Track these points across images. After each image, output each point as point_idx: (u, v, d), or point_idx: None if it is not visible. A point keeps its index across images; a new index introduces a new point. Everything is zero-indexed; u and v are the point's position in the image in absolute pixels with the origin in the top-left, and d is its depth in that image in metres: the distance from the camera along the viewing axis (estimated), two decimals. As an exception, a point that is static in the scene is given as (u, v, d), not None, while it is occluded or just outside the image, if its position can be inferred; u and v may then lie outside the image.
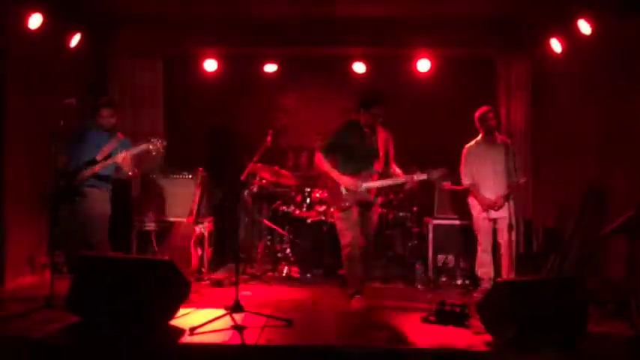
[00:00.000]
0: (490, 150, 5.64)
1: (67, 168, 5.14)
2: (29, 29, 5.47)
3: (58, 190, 5.02)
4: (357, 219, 5.04)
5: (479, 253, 5.70)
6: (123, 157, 5.03)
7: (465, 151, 5.76)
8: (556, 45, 6.24)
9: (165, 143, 5.07)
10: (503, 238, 5.50)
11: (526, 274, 5.70)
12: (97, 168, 5.10)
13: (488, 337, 3.96)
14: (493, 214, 5.57)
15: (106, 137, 5.26)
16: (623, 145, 5.31)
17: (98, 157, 5.13)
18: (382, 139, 5.19)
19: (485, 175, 5.61)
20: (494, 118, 5.66)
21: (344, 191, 5.05)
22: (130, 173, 5.16)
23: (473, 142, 5.76)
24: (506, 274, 5.44)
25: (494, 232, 5.62)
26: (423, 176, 4.99)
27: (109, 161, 5.10)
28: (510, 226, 5.34)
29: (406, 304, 5.18)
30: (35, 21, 5.47)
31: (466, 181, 5.72)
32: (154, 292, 4.13)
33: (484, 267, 5.65)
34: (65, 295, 4.22)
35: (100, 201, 5.21)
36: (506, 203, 5.47)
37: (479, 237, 5.69)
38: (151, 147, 5.03)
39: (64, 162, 5.14)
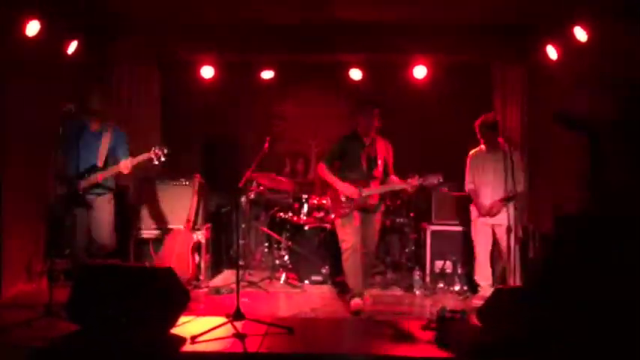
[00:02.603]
0: (492, 157, 5.64)
1: (64, 171, 5.08)
2: (27, 36, 5.44)
3: (60, 198, 5.00)
4: (357, 225, 5.15)
5: (477, 259, 5.73)
6: (125, 165, 5.03)
7: (468, 157, 5.81)
8: (552, 52, 6.27)
9: (167, 151, 5.06)
10: (502, 244, 5.52)
11: (525, 280, 5.71)
12: (99, 177, 5.08)
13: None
14: (490, 219, 5.59)
15: (97, 134, 5.18)
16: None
17: (99, 163, 5.12)
18: (381, 148, 5.34)
19: (486, 182, 5.64)
20: (494, 127, 5.66)
21: (344, 198, 5.16)
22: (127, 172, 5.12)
23: (477, 149, 5.79)
24: (507, 280, 5.46)
25: (494, 238, 5.64)
26: (420, 181, 5.05)
27: (112, 171, 5.09)
28: (509, 229, 5.36)
29: (405, 311, 5.21)
30: (33, 28, 5.44)
31: (468, 186, 5.77)
32: (154, 300, 4.12)
33: (482, 273, 5.67)
34: (65, 303, 4.21)
35: (105, 205, 5.21)
36: (505, 209, 5.48)
37: (476, 243, 5.72)
38: (152, 156, 5.02)
39: (60, 164, 5.09)
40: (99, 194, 5.16)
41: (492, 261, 5.69)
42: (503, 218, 5.48)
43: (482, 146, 5.75)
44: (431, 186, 5.20)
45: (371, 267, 5.66)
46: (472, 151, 5.82)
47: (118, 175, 5.28)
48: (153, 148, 5.05)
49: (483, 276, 5.66)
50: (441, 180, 5.10)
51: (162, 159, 5.05)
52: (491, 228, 5.62)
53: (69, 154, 5.10)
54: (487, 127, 5.62)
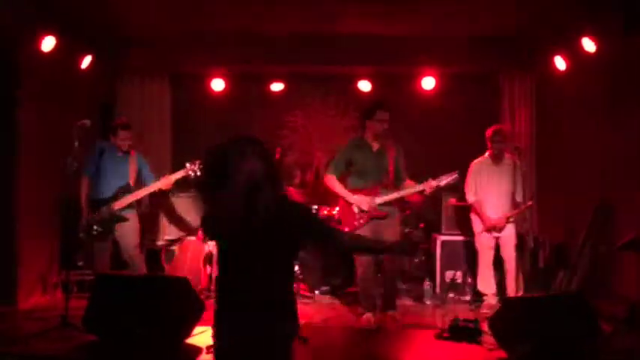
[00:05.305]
0: (497, 168, 5.64)
1: (96, 194, 5.24)
2: (43, 51, 5.53)
3: (98, 221, 5.14)
4: (371, 236, 5.00)
5: (480, 269, 5.74)
6: (166, 182, 5.21)
7: (471, 167, 5.77)
8: (560, 63, 6.29)
9: (200, 164, 5.13)
10: (506, 254, 5.53)
11: (535, 290, 5.72)
12: (137, 195, 5.24)
13: (503, 354, 3.99)
14: (495, 233, 5.60)
15: (123, 158, 5.36)
16: (628, 160, 5.37)
17: (132, 183, 5.29)
18: (392, 152, 5.19)
19: (490, 194, 5.62)
20: (503, 140, 5.66)
21: (356, 210, 5.06)
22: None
23: (480, 159, 5.78)
24: (513, 290, 5.47)
25: (498, 247, 5.64)
26: (436, 182, 5.01)
27: (151, 188, 5.25)
28: (516, 246, 5.40)
29: (417, 321, 5.21)
30: (48, 43, 5.54)
31: (470, 197, 5.74)
32: (170, 311, 4.17)
33: (485, 282, 5.69)
34: (83, 314, 4.26)
35: (136, 221, 5.37)
36: (510, 224, 5.48)
37: (480, 253, 5.73)
38: (190, 172, 5.11)
39: (87, 186, 5.28)
40: (132, 209, 5.31)
41: (500, 271, 5.70)
42: (508, 231, 5.49)
43: (488, 156, 5.74)
44: (447, 185, 5.14)
45: (393, 287, 5.30)
46: (475, 161, 5.78)
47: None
48: (187, 165, 5.13)
49: (487, 285, 5.67)
50: (457, 177, 5.08)
51: (198, 173, 5.11)
52: (495, 239, 5.62)
53: (95, 175, 5.28)
54: (498, 137, 5.63)
